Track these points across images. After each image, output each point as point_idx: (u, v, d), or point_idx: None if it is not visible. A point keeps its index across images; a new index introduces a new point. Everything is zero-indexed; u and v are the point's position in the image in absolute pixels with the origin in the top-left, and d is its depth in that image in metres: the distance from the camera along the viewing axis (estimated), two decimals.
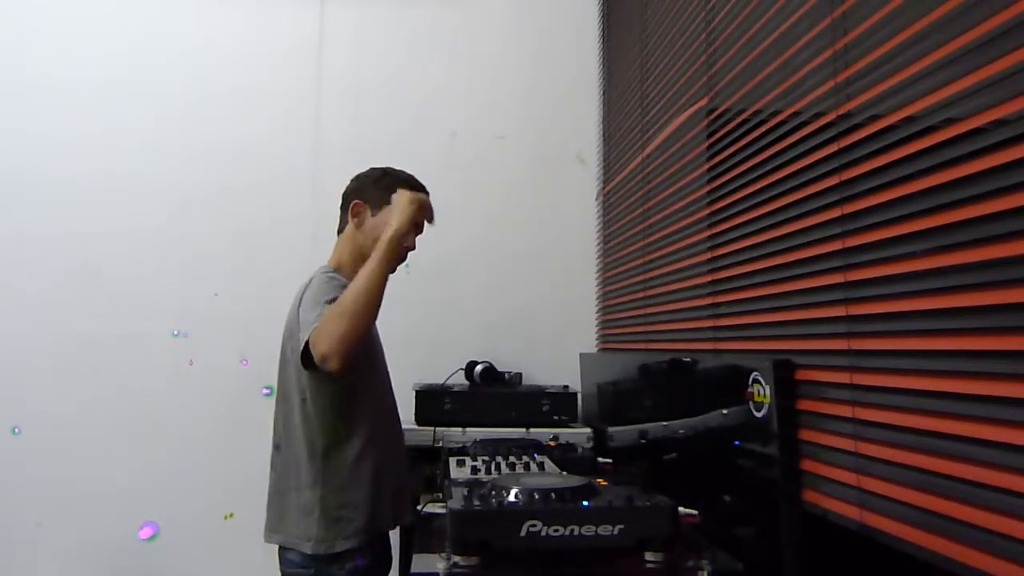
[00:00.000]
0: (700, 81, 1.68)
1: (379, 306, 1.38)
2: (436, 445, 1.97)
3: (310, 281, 1.53)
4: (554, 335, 2.62)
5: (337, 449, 1.48)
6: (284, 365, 1.57)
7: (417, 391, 2.19)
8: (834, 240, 1.07)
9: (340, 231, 1.66)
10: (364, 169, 1.67)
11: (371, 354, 1.59)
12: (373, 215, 1.60)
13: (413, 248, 1.56)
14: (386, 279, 1.40)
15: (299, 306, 1.48)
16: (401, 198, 1.50)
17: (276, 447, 1.58)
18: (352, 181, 1.67)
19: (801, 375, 1.15)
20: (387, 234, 1.43)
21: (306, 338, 1.37)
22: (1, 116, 2.62)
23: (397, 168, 1.66)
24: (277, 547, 1.52)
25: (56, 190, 2.60)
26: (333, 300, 1.39)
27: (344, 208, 1.66)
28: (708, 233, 1.57)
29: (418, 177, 1.65)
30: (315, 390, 1.48)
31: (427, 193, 1.62)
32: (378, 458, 1.52)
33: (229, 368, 2.56)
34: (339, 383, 1.45)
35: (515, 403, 2.22)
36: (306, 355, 1.38)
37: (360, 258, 1.51)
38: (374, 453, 1.51)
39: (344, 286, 1.44)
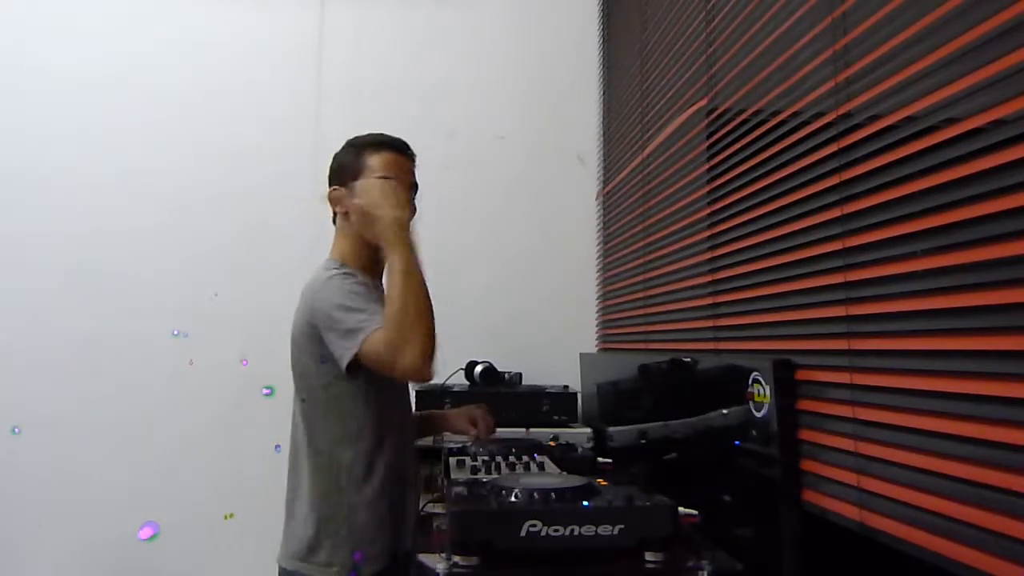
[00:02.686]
0: (700, 81, 1.68)
1: (427, 291, 1.33)
2: (436, 445, 1.97)
3: (316, 279, 1.42)
4: (554, 335, 2.62)
5: (343, 464, 1.35)
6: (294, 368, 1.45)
7: (417, 391, 2.18)
8: (834, 240, 1.07)
9: (334, 221, 1.55)
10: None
11: None
12: (353, 195, 1.44)
13: (414, 212, 1.47)
14: (417, 261, 1.33)
15: (311, 308, 1.37)
16: (366, 185, 1.40)
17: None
18: (331, 163, 1.55)
19: (801, 375, 1.14)
20: (382, 227, 1.33)
21: (355, 347, 1.28)
22: (1, 116, 2.62)
23: (364, 134, 1.53)
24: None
25: (56, 190, 2.60)
26: (356, 308, 1.31)
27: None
28: (708, 233, 1.57)
29: (417, 177, 1.54)
30: (322, 390, 1.36)
31: (404, 145, 1.51)
32: (392, 475, 1.39)
33: (229, 368, 2.56)
34: (349, 382, 1.35)
35: (515, 403, 2.22)
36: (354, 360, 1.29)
37: (361, 243, 1.44)
38: (387, 468, 1.38)
39: (359, 282, 1.37)
